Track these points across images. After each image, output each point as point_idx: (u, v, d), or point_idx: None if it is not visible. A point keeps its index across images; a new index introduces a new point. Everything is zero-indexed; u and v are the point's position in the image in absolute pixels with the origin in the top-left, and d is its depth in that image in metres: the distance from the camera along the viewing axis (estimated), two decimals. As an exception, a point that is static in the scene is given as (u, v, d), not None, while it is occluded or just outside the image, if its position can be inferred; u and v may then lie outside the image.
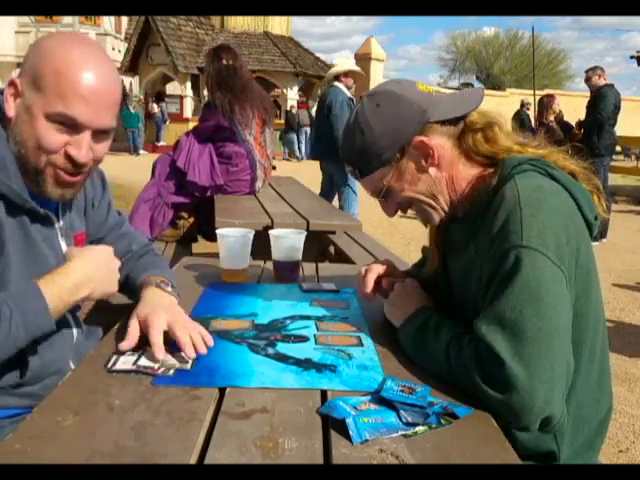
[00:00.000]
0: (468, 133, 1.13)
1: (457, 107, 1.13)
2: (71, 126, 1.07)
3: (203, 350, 1.07)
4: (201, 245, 4.06)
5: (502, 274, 0.98)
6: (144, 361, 1.03)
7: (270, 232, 1.65)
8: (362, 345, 1.17)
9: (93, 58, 1.09)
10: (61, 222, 1.23)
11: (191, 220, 3.81)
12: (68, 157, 1.09)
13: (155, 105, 18.96)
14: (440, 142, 1.11)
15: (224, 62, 3.62)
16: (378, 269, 1.34)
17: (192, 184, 3.60)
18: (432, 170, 1.13)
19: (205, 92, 20.10)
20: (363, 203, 8.52)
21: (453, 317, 1.18)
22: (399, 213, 1.22)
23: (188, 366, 1.02)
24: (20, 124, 1.08)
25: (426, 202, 1.16)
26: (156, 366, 1.01)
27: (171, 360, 1.04)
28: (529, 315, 0.93)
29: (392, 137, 1.11)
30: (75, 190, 1.17)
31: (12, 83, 1.09)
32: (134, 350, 1.07)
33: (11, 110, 1.09)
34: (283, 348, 1.14)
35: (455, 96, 1.17)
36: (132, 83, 23.52)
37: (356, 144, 1.14)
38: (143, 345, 1.08)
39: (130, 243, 1.41)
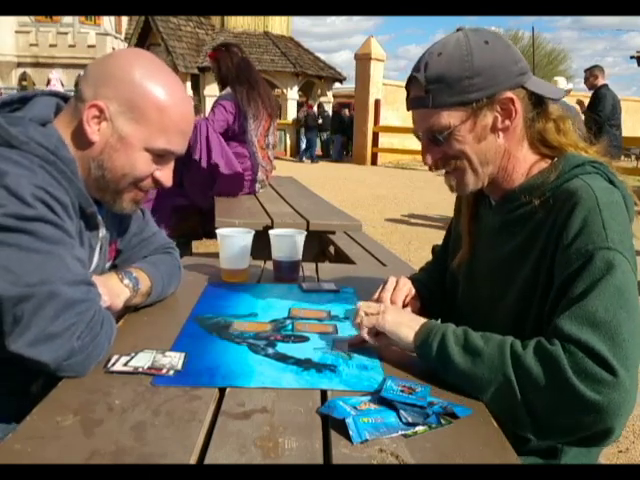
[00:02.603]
0: (541, 119, 1.10)
1: (547, 89, 1.10)
2: (164, 156, 1.15)
3: None
4: (201, 245, 4.07)
5: (590, 274, 0.95)
6: (136, 361, 1.03)
7: (270, 232, 1.65)
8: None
9: (182, 90, 1.16)
10: (104, 231, 1.24)
11: (191, 220, 3.82)
12: (154, 180, 1.16)
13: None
14: (520, 112, 1.07)
15: (239, 55, 3.69)
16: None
17: (193, 190, 3.60)
18: (501, 135, 1.08)
19: (206, 92, 19.96)
20: (362, 203, 8.55)
21: (472, 307, 1.19)
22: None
23: (179, 366, 1.02)
24: (111, 152, 1.10)
25: (475, 166, 1.09)
26: (146, 366, 1.01)
27: (162, 360, 1.04)
28: (623, 318, 0.91)
29: (488, 80, 1.03)
30: (142, 203, 1.25)
31: (95, 106, 1.08)
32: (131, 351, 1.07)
33: (95, 135, 1.09)
34: (283, 348, 1.14)
35: (543, 81, 1.13)
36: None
37: (447, 70, 1.03)
38: (138, 346, 1.09)
39: (147, 250, 1.40)
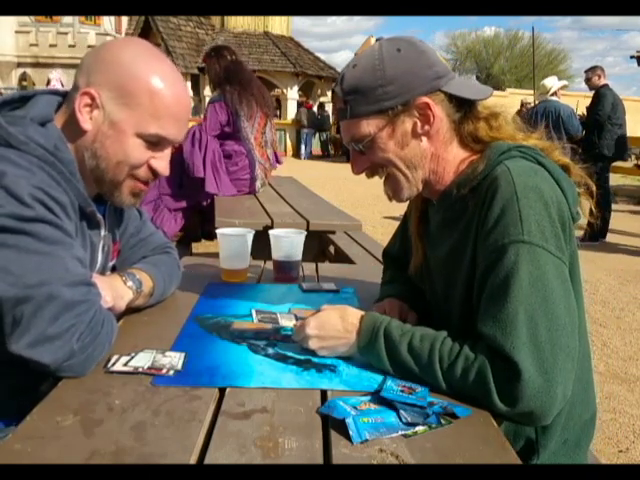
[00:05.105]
0: (470, 120, 1.09)
1: (469, 91, 1.09)
2: (158, 143, 1.12)
3: None
4: (201, 245, 4.07)
5: (503, 272, 0.95)
6: (136, 361, 1.03)
7: (270, 232, 1.65)
8: None
9: (176, 75, 1.13)
10: (105, 230, 1.23)
11: (191, 221, 3.82)
12: (151, 169, 1.14)
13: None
14: (441, 116, 1.07)
15: (229, 58, 3.70)
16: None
17: (193, 191, 3.62)
18: (424, 139, 1.08)
19: (206, 92, 20.01)
20: (362, 203, 8.54)
21: (433, 305, 1.19)
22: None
23: (179, 366, 1.02)
24: (103, 139, 1.09)
25: (403, 172, 1.10)
26: (146, 366, 1.01)
27: (162, 360, 1.04)
28: (540, 318, 0.92)
29: (401, 87, 1.04)
30: (143, 197, 1.22)
31: (87, 94, 1.06)
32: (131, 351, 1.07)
33: (87, 123, 1.08)
34: (283, 348, 1.14)
35: (468, 81, 1.11)
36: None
37: (361, 80, 1.05)
38: (138, 346, 1.09)
39: (145, 250, 1.40)
